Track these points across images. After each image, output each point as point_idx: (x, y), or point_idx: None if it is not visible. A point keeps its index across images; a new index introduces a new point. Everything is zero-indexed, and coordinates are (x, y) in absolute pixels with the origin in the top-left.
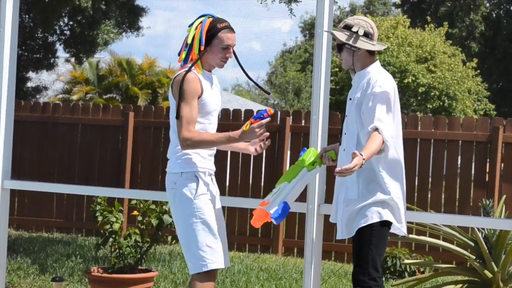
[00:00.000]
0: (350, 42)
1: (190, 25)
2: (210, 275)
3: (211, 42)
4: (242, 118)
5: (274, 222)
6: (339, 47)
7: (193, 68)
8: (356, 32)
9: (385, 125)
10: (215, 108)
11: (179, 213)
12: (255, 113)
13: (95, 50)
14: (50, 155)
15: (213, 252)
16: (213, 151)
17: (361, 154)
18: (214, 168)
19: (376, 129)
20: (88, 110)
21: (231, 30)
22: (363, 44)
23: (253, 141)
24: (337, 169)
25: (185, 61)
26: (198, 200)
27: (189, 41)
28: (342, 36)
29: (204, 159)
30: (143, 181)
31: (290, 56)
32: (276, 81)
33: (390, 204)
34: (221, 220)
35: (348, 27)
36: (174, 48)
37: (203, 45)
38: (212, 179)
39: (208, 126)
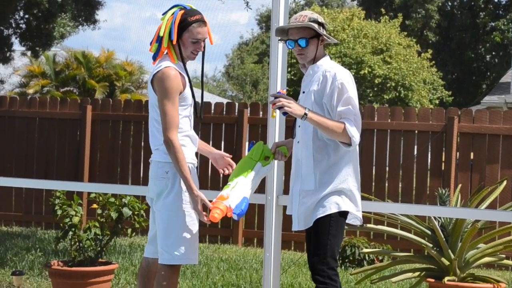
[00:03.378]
0: (326, 33)
1: (164, 14)
2: (178, 268)
3: (182, 35)
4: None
5: (235, 218)
6: (305, 41)
7: (170, 61)
8: (323, 24)
9: (353, 123)
10: (192, 100)
11: (168, 203)
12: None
13: (51, 44)
14: (7, 149)
15: (191, 247)
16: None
17: (307, 112)
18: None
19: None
20: (46, 103)
21: (203, 23)
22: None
23: (220, 161)
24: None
25: (157, 53)
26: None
27: (161, 33)
28: (317, 28)
29: (193, 152)
30: (102, 174)
31: (247, 48)
32: (233, 73)
33: (347, 193)
34: None
35: (314, 21)
36: (132, 40)
37: (174, 39)
38: (196, 172)
39: (190, 119)
